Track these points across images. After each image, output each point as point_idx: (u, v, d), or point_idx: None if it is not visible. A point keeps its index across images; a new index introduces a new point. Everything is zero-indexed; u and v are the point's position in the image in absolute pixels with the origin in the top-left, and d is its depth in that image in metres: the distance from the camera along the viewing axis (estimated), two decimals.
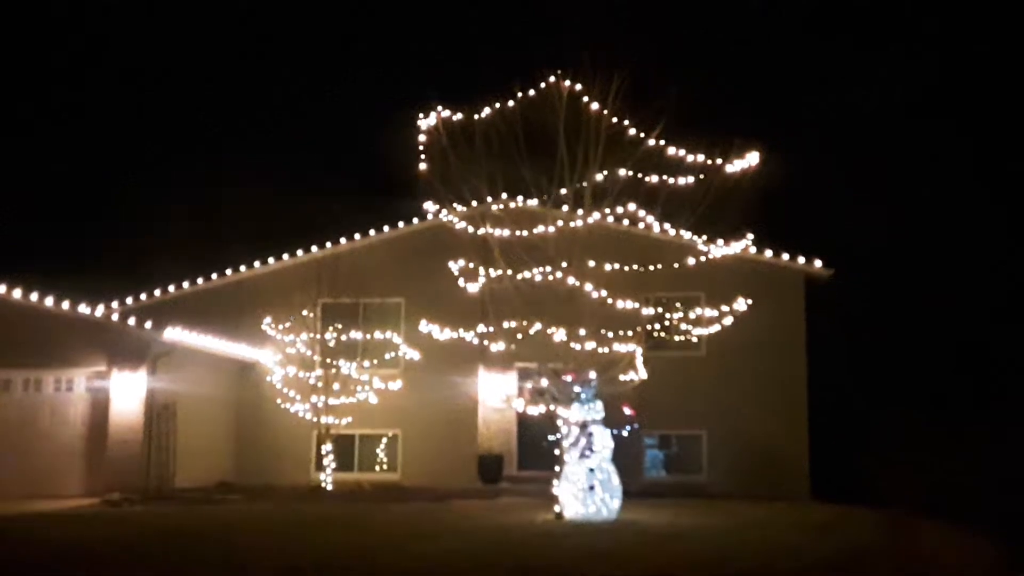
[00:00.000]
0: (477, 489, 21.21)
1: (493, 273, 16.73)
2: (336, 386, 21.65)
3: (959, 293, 29.49)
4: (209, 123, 38.09)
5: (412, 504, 18.29)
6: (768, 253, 22.69)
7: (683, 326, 18.78)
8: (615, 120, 16.23)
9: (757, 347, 22.36)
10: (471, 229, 17.15)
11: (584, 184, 16.36)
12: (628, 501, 16.02)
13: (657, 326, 19.41)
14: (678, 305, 20.27)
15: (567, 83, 16.18)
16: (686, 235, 17.29)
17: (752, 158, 16.32)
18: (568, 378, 15.85)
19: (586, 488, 15.04)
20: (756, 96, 35.24)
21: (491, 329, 17.03)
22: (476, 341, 17.83)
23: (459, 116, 16.57)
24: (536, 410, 16.78)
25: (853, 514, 16.51)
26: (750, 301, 18.07)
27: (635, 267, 17.29)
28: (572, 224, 16.58)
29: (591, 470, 15.17)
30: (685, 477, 22.29)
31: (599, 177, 16.32)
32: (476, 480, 22.06)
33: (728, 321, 18.04)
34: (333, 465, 21.45)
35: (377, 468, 23.37)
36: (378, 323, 22.97)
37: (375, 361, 22.53)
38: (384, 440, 23.52)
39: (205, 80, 39.49)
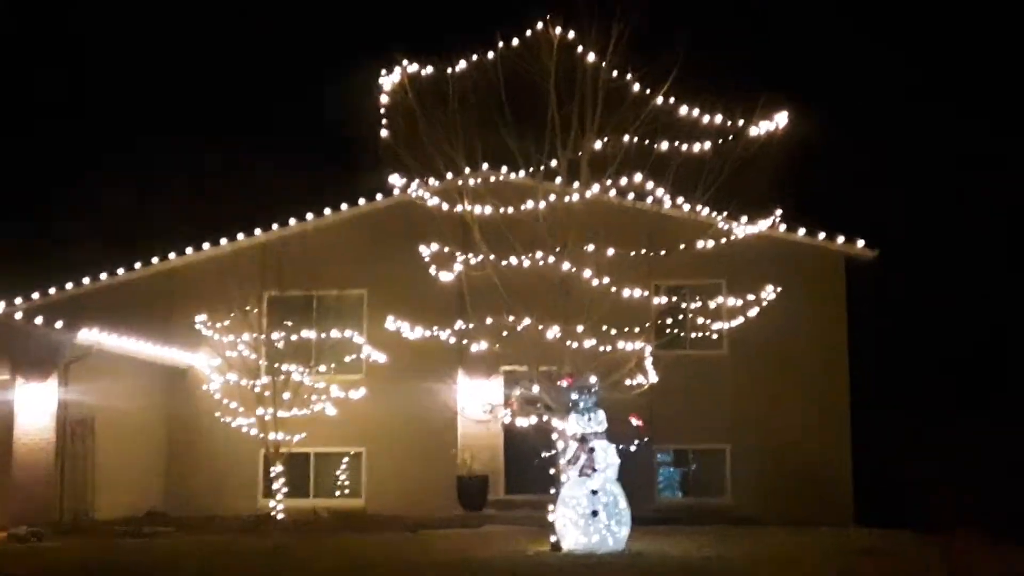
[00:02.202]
0: (457, 516, 21.27)
1: (473, 259, 16.80)
2: (286, 395, 21.64)
3: None
4: (131, 87, 37.93)
5: (378, 535, 18.30)
6: (801, 231, 22.87)
7: (701, 320, 18.89)
8: (616, 75, 16.31)
9: (790, 344, 22.59)
10: (446, 206, 17.21)
11: (580, 152, 16.44)
12: (638, 528, 16.11)
13: (670, 320, 19.53)
14: (695, 295, 20.37)
15: (558, 30, 16.23)
16: (703, 211, 17.39)
17: (780, 119, 16.43)
18: (564, 383, 15.91)
19: (587, 514, 15.09)
20: (784, 44, 35.24)
21: (471, 326, 17.11)
22: (453, 340, 17.87)
23: (429, 71, 16.62)
24: (526, 422, 16.86)
25: (907, 543, 16.59)
26: (780, 289, 18.20)
27: (643, 250, 17.35)
28: (567, 200, 16.65)
29: (593, 492, 15.20)
30: (705, 499, 22.55)
31: (598, 144, 16.40)
32: (456, 506, 22.21)
33: (754, 313, 18.14)
34: (284, 490, 21.46)
35: (337, 493, 23.60)
36: (336, 320, 22.98)
37: (333, 365, 22.58)
38: (345, 460, 23.70)
39: (124, 34, 39.27)
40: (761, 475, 22.22)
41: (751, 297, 18.03)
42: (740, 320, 18.29)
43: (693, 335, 19.72)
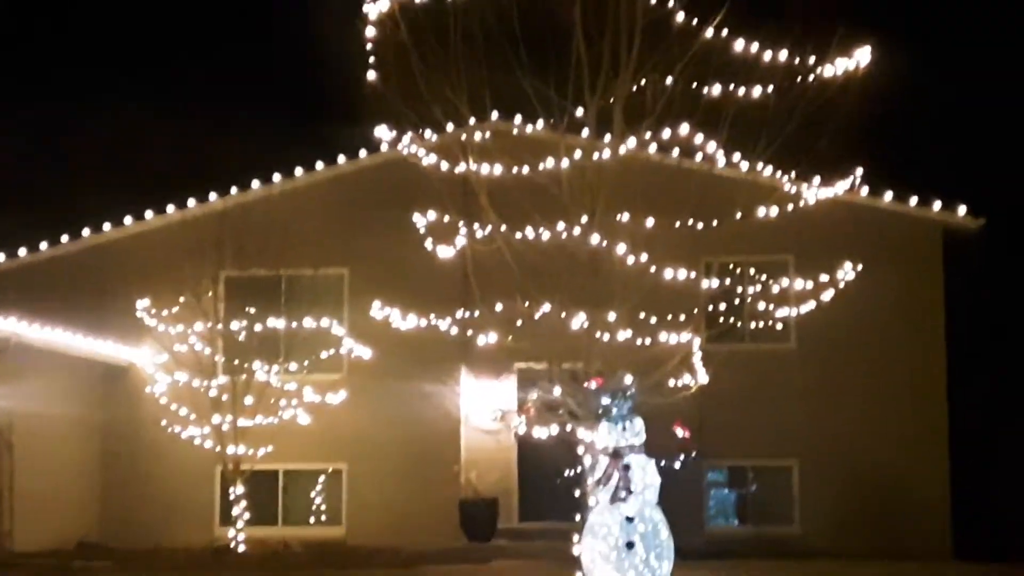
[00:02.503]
0: (460, 549, 21.43)
1: (479, 230, 16.87)
2: (249, 400, 21.78)
3: None
4: (50, 13, 37.95)
5: (363, 573, 18.43)
6: (887, 196, 22.90)
7: (762, 306, 18.91)
8: (656, 2, 16.32)
9: (873, 336, 22.78)
10: (446, 166, 17.26)
11: (612, 98, 16.47)
12: (683, 564, 16.08)
13: (724, 306, 19.57)
14: (755, 275, 20.41)
15: None
16: (765, 171, 17.42)
17: (861, 56, 16.43)
18: (593, 385, 15.87)
19: (621, 546, 15.17)
20: None
21: (477, 313, 17.19)
22: (455, 331, 17.96)
23: None
24: (545, 432, 16.96)
25: None
26: (861, 267, 18.24)
27: (690, 220, 17.40)
28: (596, 157, 16.70)
29: (628, 520, 15.14)
30: (767, 528, 22.73)
31: (634, 87, 16.42)
32: (458, 536, 22.37)
33: (829, 297, 18.22)
34: (246, 516, 21.61)
35: (312, 520, 23.80)
36: (310, 306, 23.10)
37: (306, 363, 22.67)
38: (321, 479, 23.86)
39: None
40: (837, 498, 22.35)
41: (825, 278, 18.09)
42: (811, 306, 18.36)
43: (753, 325, 19.72)
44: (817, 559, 19.85)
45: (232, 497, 21.70)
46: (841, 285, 18.23)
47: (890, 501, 21.93)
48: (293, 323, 22.81)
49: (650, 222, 16.90)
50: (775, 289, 18.76)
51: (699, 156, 17.35)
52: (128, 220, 24.30)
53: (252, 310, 22.47)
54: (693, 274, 17.20)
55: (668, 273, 16.83)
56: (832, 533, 21.87)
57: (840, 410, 22.80)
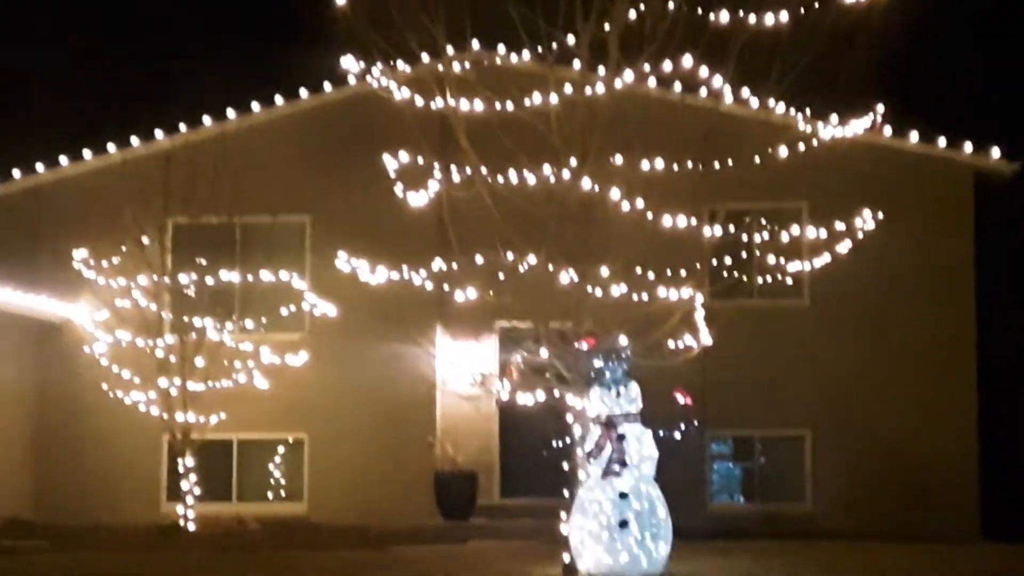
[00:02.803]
0: (434, 528, 21.54)
1: (457, 174, 16.86)
2: (199, 362, 21.80)
3: None
4: None
5: (327, 554, 18.46)
6: (912, 137, 22.88)
7: (773, 258, 18.92)
8: None
9: (895, 292, 22.79)
10: (420, 101, 17.21)
11: (608, 26, 16.44)
12: (684, 545, 16.26)
13: (730, 259, 19.57)
14: (765, 224, 20.43)
15: None
16: (777, 108, 17.42)
17: None
18: (584, 346, 16.03)
19: (614, 524, 15.30)
20: None
21: (455, 266, 17.20)
22: (431, 286, 17.92)
23: None
24: (531, 399, 16.97)
25: None
26: (882, 216, 18.24)
27: (693, 163, 17.42)
28: (588, 92, 16.68)
29: (622, 496, 15.36)
30: (777, 506, 22.92)
31: (632, 13, 16.38)
32: (433, 513, 22.48)
33: (846, 249, 18.18)
34: (197, 492, 21.70)
35: (270, 495, 24.04)
36: (268, 258, 23.13)
37: (264, 320, 22.74)
38: (281, 450, 24.10)
39: None
40: (853, 473, 22.53)
41: (842, 227, 18.03)
42: (826, 258, 18.20)
43: (762, 280, 19.76)
44: (831, 540, 19.88)
45: (181, 470, 21.67)
46: (860, 235, 17.85)
47: (912, 476, 22.08)
48: (249, 276, 22.79)
49: (648, 165, 16.90)
50: (787, 239, 18.84)
51: (704, 91, 17.29)
52: (64, 161, 24.19)
53: (203, 262, 22.43)
54: (696, 223, 17.15)
55: (668, 221, 16.74)
56: (847, 512, 22.04)
57: (858, 375, 22.93)
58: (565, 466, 16.17)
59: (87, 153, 24.12)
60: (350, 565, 17.19)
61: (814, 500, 23.03)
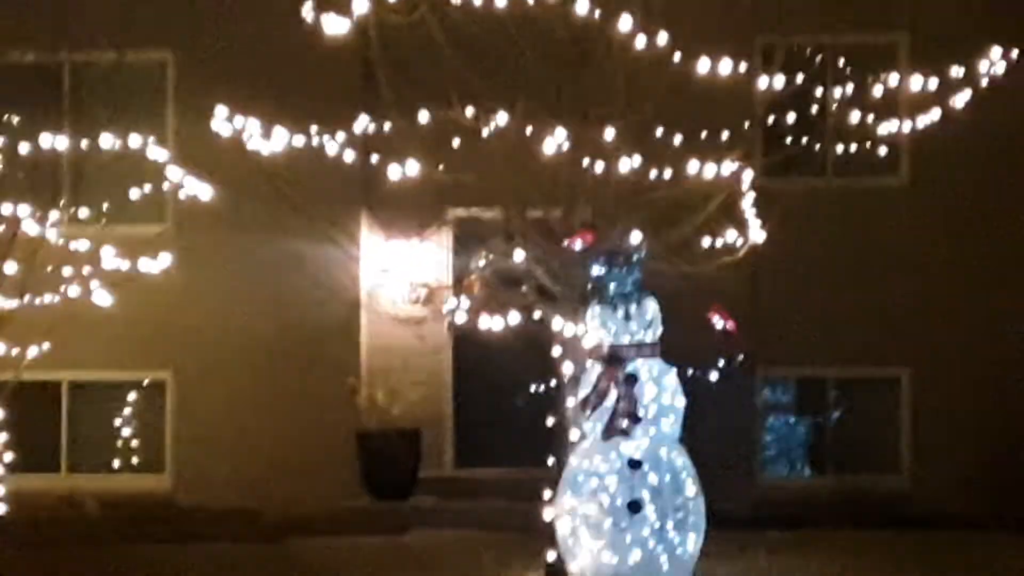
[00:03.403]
0: (358, 512, 21.78)
1: None
2: (11, 266, 21.77)
3: None
4: None
5: (193, 551, 18.70)
6: None
7: (856, 116, 18.93)
8: None
9: None
10: None
11: None
12: (722, 535, 16.34)
13: (793, 118, 19.59)
14: (844, 67, 20.41)
15: None
16: None
17: None
18: (578, 244, 16.03)
19: (621, 507, 15.32)
20: None
21: (388, 126, 17.14)
22: (351, 156, 17.91)
23: None
24: (499, 323, 16.99)
25: None
26: (1017, 56, 18.20)
27: None
28: None
29: (632, 465, 15.41)
30: (858, 480, 22.96)
31: None
32: (357, 491, 22.62)
33: (963, 103, 18.16)
34: (9, 458, 21.78)
35: (116, 464, 23.96)
36: (111, 114, 22.87)
37: (106, 207, 22.76)
38: (132, 397, 24.14)
39: None
40: (974, 432, 22.66)
41: (958, 71, 18.07)
42: (934, 116, 18.25)
43: (841, 148, 19.79)
44: (938, 530, 20.01)
45: None
46: (983, 84, 18.12)
47: None
48: (82, 141, 22.68)
49: None
50: (878, 90, 18.82)
51: None
52: None
53: (14, 119, 22.39)
54: (744, 65, 17.18)
55: (703, 63, 16.81)
56: (962, 490, 21.87)
57: (981, 289, 22.71)
58: (549, 422, 16.20)
59: None
60: (226, 567, 17.22)
61: (915, 472, 22.89)
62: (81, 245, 22.01)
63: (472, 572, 16.46)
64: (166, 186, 22.67)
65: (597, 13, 15.99)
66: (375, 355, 23.30)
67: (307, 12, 16.78)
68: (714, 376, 15.86)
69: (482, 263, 17.85)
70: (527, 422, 16.87)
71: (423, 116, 16.83)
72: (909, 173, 23.02)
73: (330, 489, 22.28)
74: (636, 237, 15.74)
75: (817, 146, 19.66)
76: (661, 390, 15.34)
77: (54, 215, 21.94)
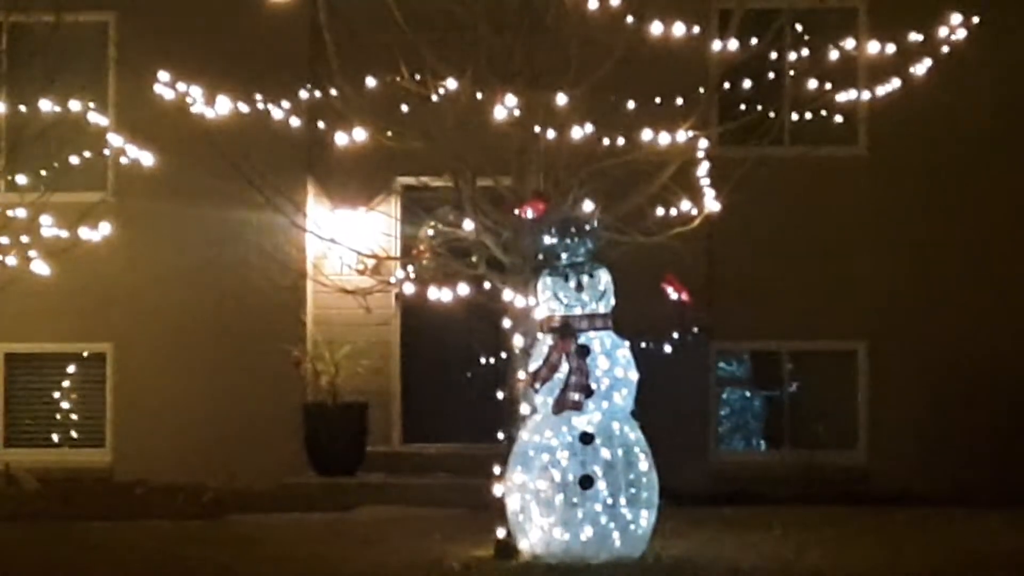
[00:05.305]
0: (303, 488, 21.84)
1: None
2: None
3: None
4: None
5: (131, 528, 18.57)
6: None
7: (813, 84, 18.82)
8: None
9: (997, 135, 22.59)
10: None
11: None
12: (677, 512, 16.28)
13: (750, 84, 19.47)
14: (802, 31, 20.30)
15: None
16: None
17: None
18: (529, 213, 15.91)
19: (572, 483, 15.24)
20: None
21: (334, 92, 16.97)
22: (297, 123, 17.80)
23: None
24: (448, 293, 16.87)
25: None
26: (978, 22, 18.10)
27: None
28: None
29: (584, 439, 15.34)
30: (814, 456, 22.67)
31: None
32: (302, 466, 22.69)
33: (924, 71, 18.08)
34: None
35: (54, 438, 23.91)
36: (49, 77, 22.70)
37: (44, 174, 22.44)
38: (71, 369, 24.12)
39: None
40: (931, 406, 22.69)
41: (916, 37, 17.95)
42: (894, 86, 18.25)
43: (797, 116, 19.67)
44: (895, 506, 20.01)
45: None
46: (944, 50, 18.10)
47: (1018, 413, 22.10)
48: (21, 107, 22.47)
49: None
50: (835, 55, 18.70)
51: None
52: None
53: None
54: (699, 29, 17.07)
55: (658, 27, 16.69)
56: (918, 464, 21.97)
57: (940, 259, 22.80)
58: (499, 395, 16.12)
59: None
60: (167, 544, 17.02)
61: (870, 447, 23.12)
62: (19, 213, 21.83)
63: (420, 550, 16.22)
64: (107, 152, 22.58)
65: None
66: (321, 326, 23.21)
67: None
68: (668, 348, 15.69)
69: (431, 232, 17.73)
70: (477, 396, 16.69)
71: (369, 81, 16.65)
72: (867, 142, 23.12)
73: (274, 464, 22.31)
74: (588, 206, 15.64)
75: (773, 114, 19.40)
76: (614, 363, 15.36)
77: None
